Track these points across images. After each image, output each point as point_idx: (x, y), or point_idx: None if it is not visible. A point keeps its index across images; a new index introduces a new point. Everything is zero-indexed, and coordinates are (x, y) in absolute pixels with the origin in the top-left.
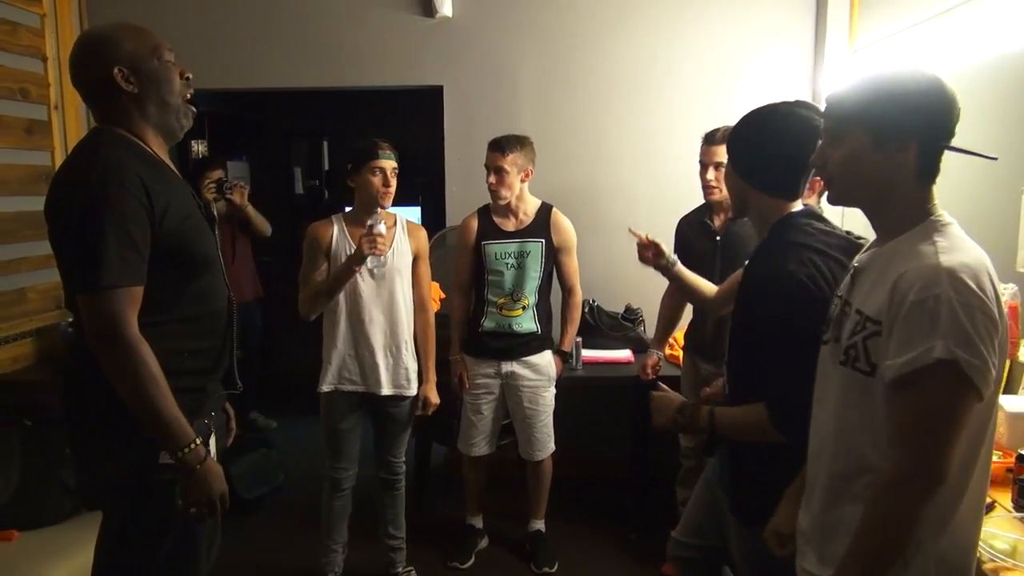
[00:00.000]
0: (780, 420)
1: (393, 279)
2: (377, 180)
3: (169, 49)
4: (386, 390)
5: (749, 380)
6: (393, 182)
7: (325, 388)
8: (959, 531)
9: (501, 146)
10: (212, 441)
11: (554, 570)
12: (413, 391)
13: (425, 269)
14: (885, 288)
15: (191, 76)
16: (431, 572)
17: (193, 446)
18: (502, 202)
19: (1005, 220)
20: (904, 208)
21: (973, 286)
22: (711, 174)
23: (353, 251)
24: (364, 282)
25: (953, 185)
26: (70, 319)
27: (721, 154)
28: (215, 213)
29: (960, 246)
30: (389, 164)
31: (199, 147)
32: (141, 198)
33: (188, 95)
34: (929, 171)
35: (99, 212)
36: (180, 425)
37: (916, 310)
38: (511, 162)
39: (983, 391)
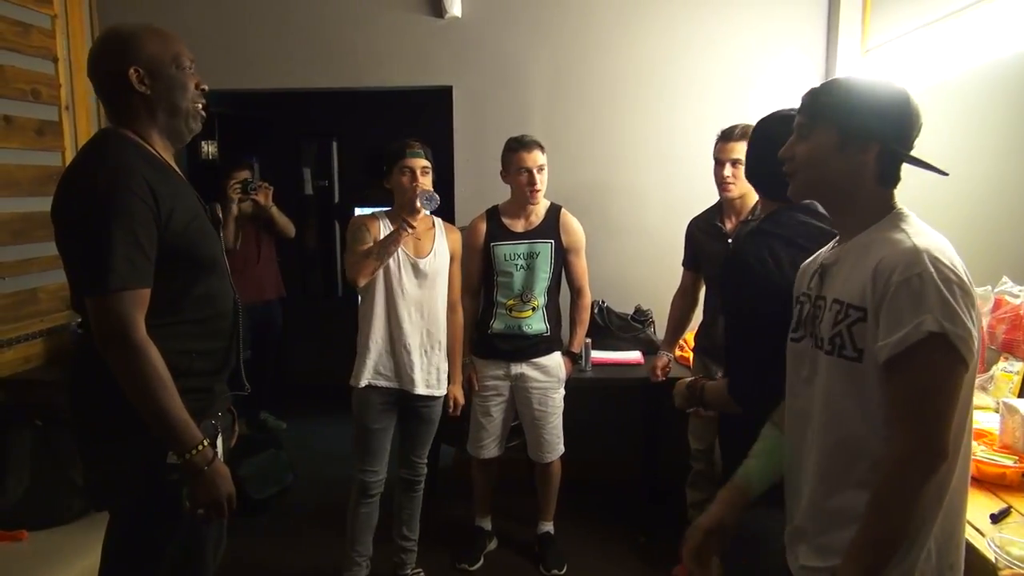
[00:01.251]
0: (735, 391)
1: (435, 280)
2: (406, 179)
3: (190, 59)
4: (420, 389)
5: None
6: (423, 180)
7: (361, 383)
8: (952, 504)
9: (538, 144)
10: (219, 442)
11: (563, 572)
12: (443, 391)
13: (457, 269)
14: (864, 275)
15: (207, 88)
16: (440, 574)
17: (201, 447)
18: (537, 204)
19: (1020, 221)
20: (865, 208)
21: (947, 263)
22: (728, 170)
23: (397, 251)
24: (407, 281)
25: (969, 187)
26: (79, 319)
27: (738, 151)
28: (220, 216)
29: (927, 231)
30: (419, 163)
31: (209, 147)
32: (148, 201)
33: (201, 104)
34: (888, 176)
35: (106, 215)
36: (188, 427)
37: (903, 290)
38: (545, 159)
39: (968, 361)
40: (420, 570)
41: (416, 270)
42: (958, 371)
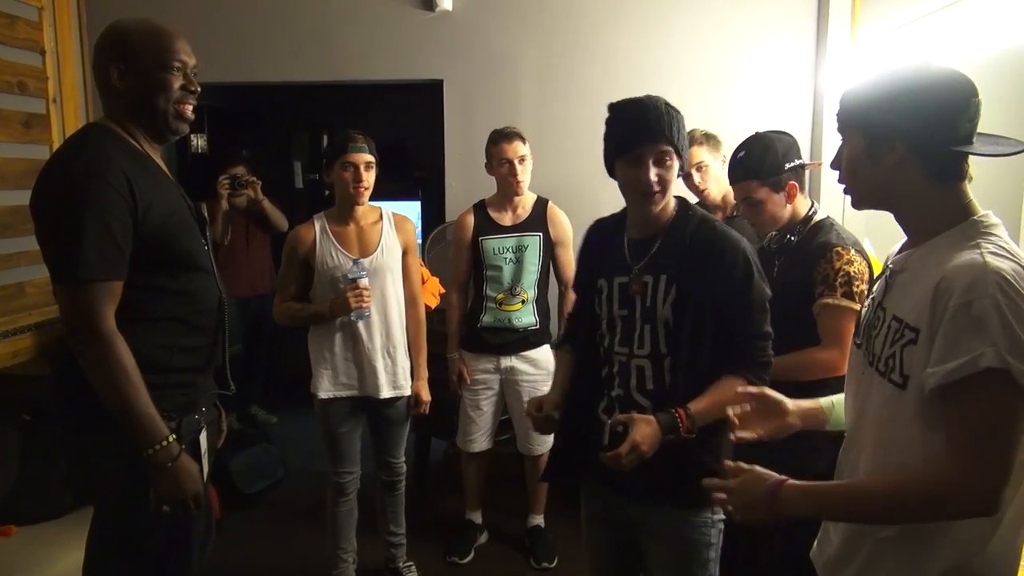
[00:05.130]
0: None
1: (384, 276)
2: (348, 175)
3: (183, 60)
4: (385, 392)
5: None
6: (367, 176)
7: (323, 395)
8: (1001, 541)
9: (519, 135)
10: (203, 436)
11: (553, 565)
12: (409, 389)
13: (414, 262)
14: (924, 293)
15: (198, 89)
16: (431, 567)
17: (164, 443)
18: (522, 195)
19: (1006, 217)
20: (928, 210)
21: (1020, 288)
22: (696, 177)
23: (337, 254)
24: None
25: None
26: None
27: (697, 156)
28: (205, 214)
29: (1008, 247)
30: (362, 158)
31: (199, 140)
32: (124, 193)
33: (187, 107)
34: (942, 172)
35: (80, 205)
36: (152, 421)
37: (961, 314)
38: (527, 150)
39: None
40: (411, 563)
41: (361, 269)
42: (1020, 406)
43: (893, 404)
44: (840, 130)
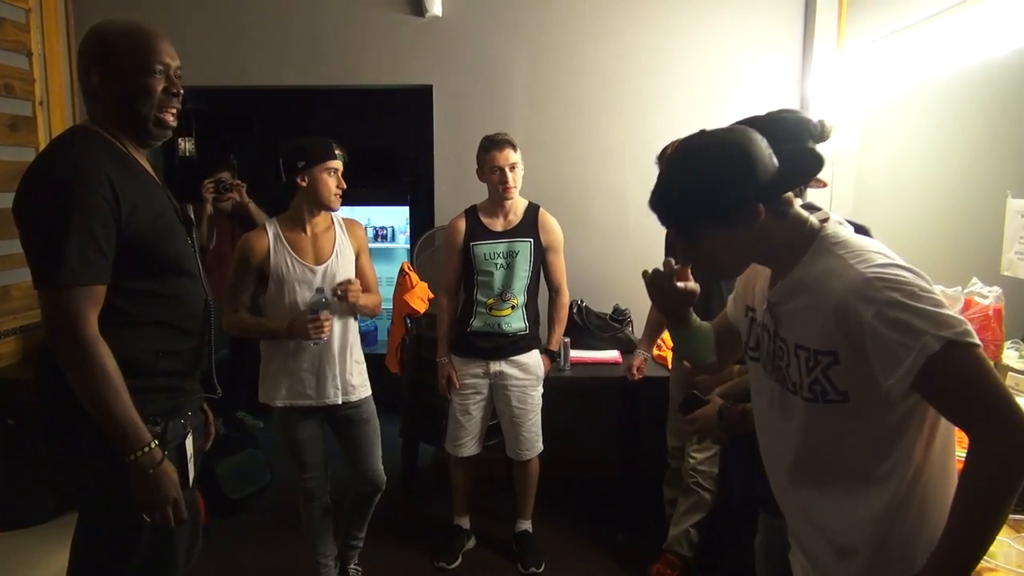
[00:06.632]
0: None
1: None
2: (333, 181)
3: (165, 63)
4: (339, 398)
5: None
6: (342, 183)
7: (279, 403)
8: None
9: (510, 143)
10: (189, 441)
11: (541, 570)
12: (366, 391)
13: (367, 262)
14: (821, 318)
15: (182, 91)
16: (419, 572)
17: (147, 449)
18: (511, 201)
19: (989, 223)
20: (788, 244)
21: (902, 274)
22: None
23: (293, 262)
24: (310, 294)
25: (939, 189)
26: None
27: None
28: (192, 216)
29: (860, 247)
30: (339, 164)
31: (187, 144)
32: (107, 196)
33: (169, 113)
34: (783, 211)
35: (63, 208)
36: (134, 427)
37: (879, 326)
38: (518, 157)
39: (978, 340)
40: (360, 568)
41: (322, 299)
42: (980, 353)
43: (841, 418)
44: (684, 231)
